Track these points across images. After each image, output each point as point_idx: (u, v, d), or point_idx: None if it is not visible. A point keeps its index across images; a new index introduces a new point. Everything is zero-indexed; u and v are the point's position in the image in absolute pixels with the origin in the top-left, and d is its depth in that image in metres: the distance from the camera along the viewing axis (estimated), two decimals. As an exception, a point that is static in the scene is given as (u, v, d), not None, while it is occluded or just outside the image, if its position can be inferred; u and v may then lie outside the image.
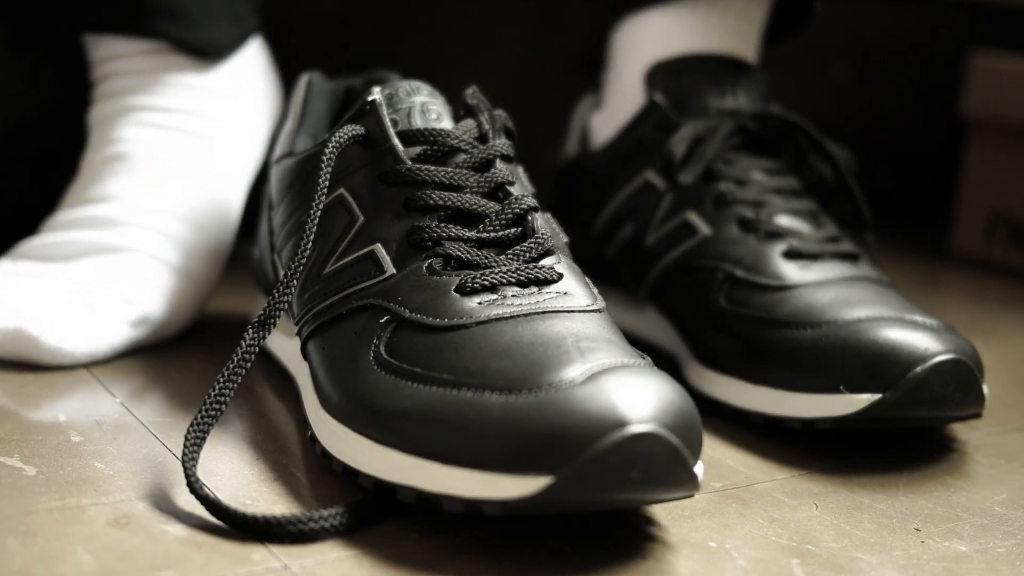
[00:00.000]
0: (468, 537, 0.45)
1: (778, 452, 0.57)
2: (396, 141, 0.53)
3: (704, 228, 0.65)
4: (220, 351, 0.65)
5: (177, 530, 0.44)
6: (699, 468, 0.44)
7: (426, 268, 0.50)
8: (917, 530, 0.50)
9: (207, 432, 0.48)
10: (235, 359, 0.49)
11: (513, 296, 0.48)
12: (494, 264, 0.49)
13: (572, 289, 0.49)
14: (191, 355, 0.64)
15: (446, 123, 0.54)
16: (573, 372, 0.43)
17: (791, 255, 0.62)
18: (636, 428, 0.41)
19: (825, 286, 0.60)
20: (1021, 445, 0.62)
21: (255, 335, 0.50)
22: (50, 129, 0.80)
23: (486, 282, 0.48)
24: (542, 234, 0.51)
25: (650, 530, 0.47)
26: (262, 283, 0.65)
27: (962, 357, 0.56)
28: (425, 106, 0.54)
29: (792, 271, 0.61)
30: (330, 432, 0.49)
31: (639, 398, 0.42)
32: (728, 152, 0.67)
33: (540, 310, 0.47)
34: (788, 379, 0.58)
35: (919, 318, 0.57)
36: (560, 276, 0.50)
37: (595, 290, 0.51)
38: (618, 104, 0.73)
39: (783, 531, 0.49)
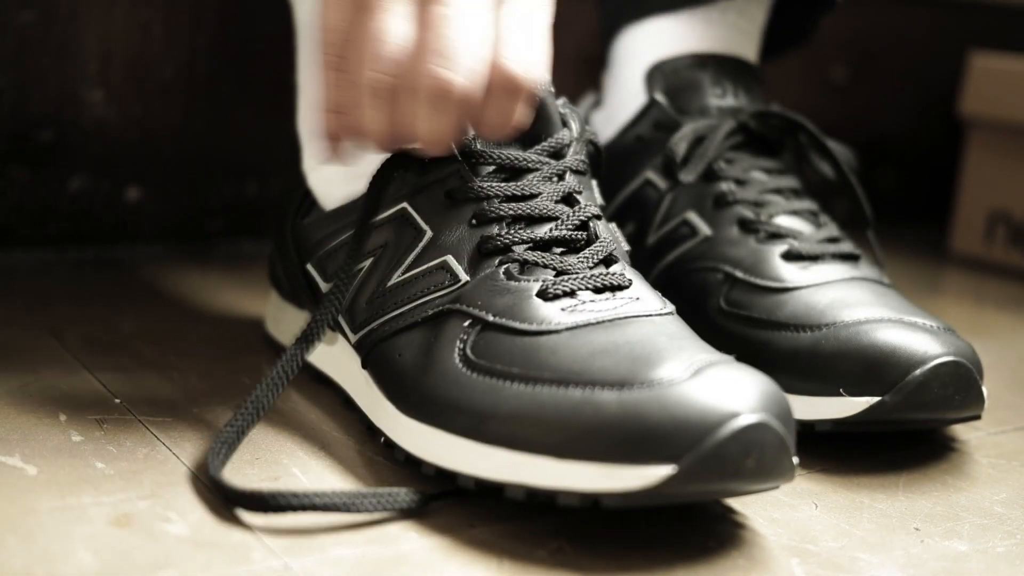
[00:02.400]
0: (468, 537, 0.45)
1: (778, 452, 0.57)
2: (460, 160, 0.52)
3: (704, 228, 0.65)
4: (221, 351, 0.65)
5: (177, 530, 0.44)
6: (795, 458, 0.46)
7: (503, 273, 0.50)
8: (917, 530, 0.50)
9: (241, 434, 0.49)
10: (275, 370, 0.50)
11: (591, 302, 0.49)
12: (568, 269, 0.50)
13: (642, 295, 0.51)
14: (191, 355, 0.64)
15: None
16: (677, 368, 0.45)
17: (791, 256, 0.62)
18: (749, 418, 0.43)
19: (825, 288, 0.60)
20: (1021, 445, 0.62)
21: (296, 350, 0.50)
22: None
23: (566, 288, 0.49)
24: (605, 238, 0.52)
25: (649, 530, 0.47)
26: (285, 288, 0.64)
27: (961, 359, 0.56)
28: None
29: (792, 273, 0.61)
30: (415, 436, 0.49)
31: (744, 390, 0.44)
32: (729, 151, 0.67)
33: (621, 315, 0.48)
34: (787, 381, 0.57)
35: (919, 320, 0.57)
36: (630, 282, 0.51)
37: (659, 294, 0.52)
38: (619, 103, 0.73)
39: (783, 531, 0.49)
